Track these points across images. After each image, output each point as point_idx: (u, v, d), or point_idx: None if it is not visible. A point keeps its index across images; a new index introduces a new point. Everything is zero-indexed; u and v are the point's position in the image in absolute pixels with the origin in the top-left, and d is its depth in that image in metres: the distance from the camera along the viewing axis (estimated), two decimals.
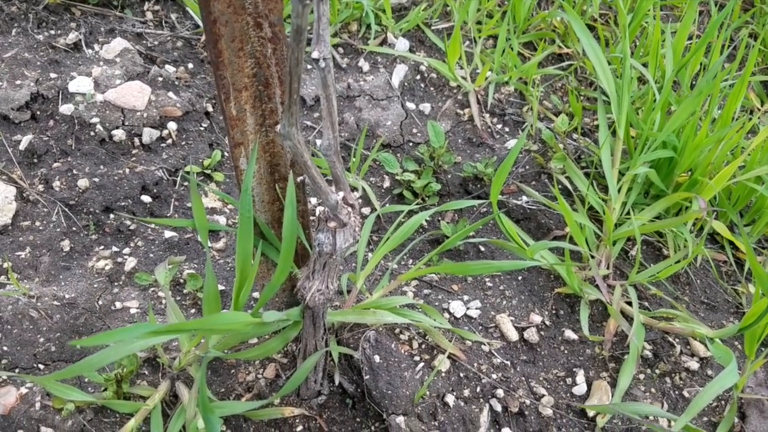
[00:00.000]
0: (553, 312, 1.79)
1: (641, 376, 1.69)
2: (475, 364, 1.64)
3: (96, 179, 1.86)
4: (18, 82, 1.93)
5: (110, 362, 1.18)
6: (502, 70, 2.23)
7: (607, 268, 1.83)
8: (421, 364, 1.59)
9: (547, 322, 1.76)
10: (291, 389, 1.45)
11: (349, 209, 1.29)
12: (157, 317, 1.67)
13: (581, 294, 1.77)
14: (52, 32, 2.11)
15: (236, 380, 1.60)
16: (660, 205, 1.88)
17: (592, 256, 1.85)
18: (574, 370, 1.68)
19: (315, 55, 1.04)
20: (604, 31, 2.43)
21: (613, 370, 1.68)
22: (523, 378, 1.65)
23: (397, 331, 1.65)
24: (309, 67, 2.24)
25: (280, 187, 1.45)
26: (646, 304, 1.82)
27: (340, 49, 2.32)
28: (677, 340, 1.75)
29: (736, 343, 1.80)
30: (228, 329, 1.34)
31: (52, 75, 1.98)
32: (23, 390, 1.48)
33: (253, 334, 1.54)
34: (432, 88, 2.23)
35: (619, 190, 1.88)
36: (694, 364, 1.71)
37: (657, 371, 1.70)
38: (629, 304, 1.77)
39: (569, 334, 1.74)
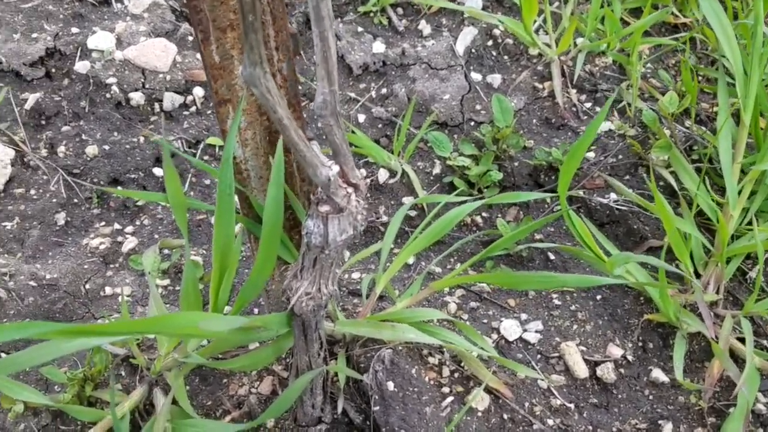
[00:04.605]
0: (639, 344, 1.40)
1: None
2: (526, 404, 1.28)
3: (106, 147, 1.64)
4: (35, 35, 1.74)
5: (26, 367, 0.92)
6: (598, 36, 1.82)
7: (717, 293, 1.44)
8: (451, 398, 1.24)
9: (630, 357, 1.38)
10: (278, 413, 1.16)
11: (350, 190, 0.97)
12: (146, 309, 1.42)
13: (678, 324, 1.37)
14: None
15: (227, 392, 1.32)
16: None
17: (698, 276, 1.43)
18: (660, 422, 1.31)
19: None
20: (733, 1, 1.96)
21: (713, 427, 1.31)
22: (590, 427, 1.30)
23: (424, 351, 1.31)
24: (360, 29, 1.92)
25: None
26: (766, 343, 1.39)
27: (399, 10, 1.99)
28: None
29: None
30: (176, 333, 1.06)
31: (74, 30, 1.79)
32: None
33: (238, 340, 1.25)
34: (506, 57, 1.85)
35: (739, 193, 1.47)
36: None
37: None
38: (742, 341, 1.37)
39: (658, 374, 1.36)
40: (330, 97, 0.88)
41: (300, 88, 1.06)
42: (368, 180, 1.17)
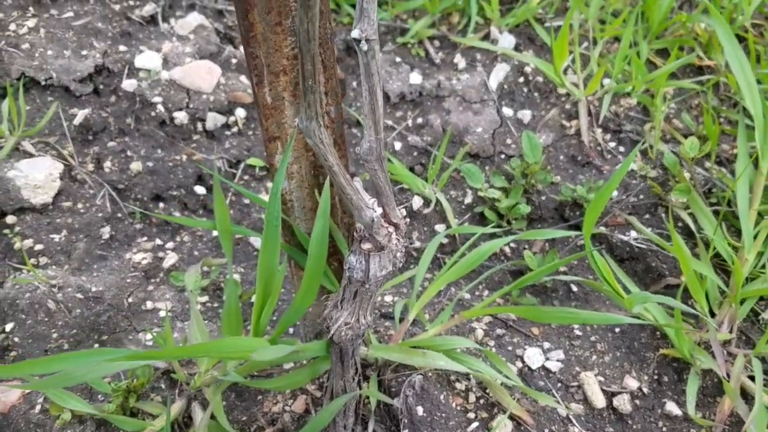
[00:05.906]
0: (655, 378, 1.45)
1: None
2: (546, 431, 1.33)
3: (150, 163, 1.71)
4: (84, 52, 1.81)
5: (80, 382, 0.99)
6: (624, 78, 1.88)
7: (730, 332, 1.47)
8: (476, 424, 1.30)
9: (645, 390, 1.42)
10: None
11: (391, 229, 1.04)
12: (185, 324, 1.49)
13: (691, 361, 1.42)
14: (130, 3, 1.99)
15: (261, 409, 1.38)
16: None
17: (713, 315, 1.49)
18: None
19: (355, 34, 0.82)
20: (757, 44, 2.02)
21: None
22: None
23: (452, 378, 1.37)
24: (398, 59, 2.00)
25: None
26: None
27: (436, 42, 2.06)
28: None
29: None
30: (223, 357, 1.13)
31: (122, 48, 1.86)
32: None
33: (276, 361, 1.32)
34: (536, 94, 1.92)
35: (755, 237, 1.51)
36: None
37: None
38: (753, 379, 1.41)
39: (671, 407, 1.40)
40: (376, 144, 0.95)
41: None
42: (403, 208, 1.23)
